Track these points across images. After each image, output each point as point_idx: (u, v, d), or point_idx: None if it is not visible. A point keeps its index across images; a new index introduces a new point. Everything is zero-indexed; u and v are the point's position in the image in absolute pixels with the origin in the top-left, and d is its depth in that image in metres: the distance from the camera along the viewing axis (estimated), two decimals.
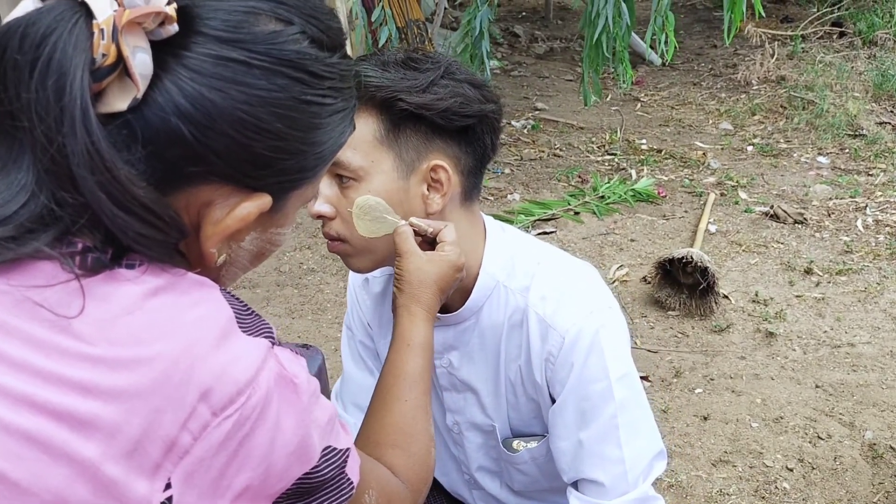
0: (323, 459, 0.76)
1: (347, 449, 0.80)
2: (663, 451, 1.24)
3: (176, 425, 0.65)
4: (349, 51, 4.01)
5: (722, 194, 4.70)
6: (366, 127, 1.11)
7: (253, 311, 0.74)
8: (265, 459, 0.70)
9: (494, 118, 1.18)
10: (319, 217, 1.15)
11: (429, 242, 1.16)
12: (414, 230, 1.13)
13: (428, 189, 1.15)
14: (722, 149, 5.50)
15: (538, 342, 1.22)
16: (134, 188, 0.65)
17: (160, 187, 0.68)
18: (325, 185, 1.13)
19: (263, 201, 0.73)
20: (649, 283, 3.58)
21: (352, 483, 0.80)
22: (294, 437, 0.72)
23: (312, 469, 0.75)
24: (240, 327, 0.71)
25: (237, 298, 0.74)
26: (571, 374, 1.19)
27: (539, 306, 1.22)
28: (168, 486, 0.66)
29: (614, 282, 3.71)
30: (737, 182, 4.86)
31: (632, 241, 4.14)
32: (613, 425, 1.19)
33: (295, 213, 0.81)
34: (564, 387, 1.20)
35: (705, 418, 2.74)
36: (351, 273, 1.41)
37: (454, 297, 1.25)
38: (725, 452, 2.58)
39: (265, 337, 0.72)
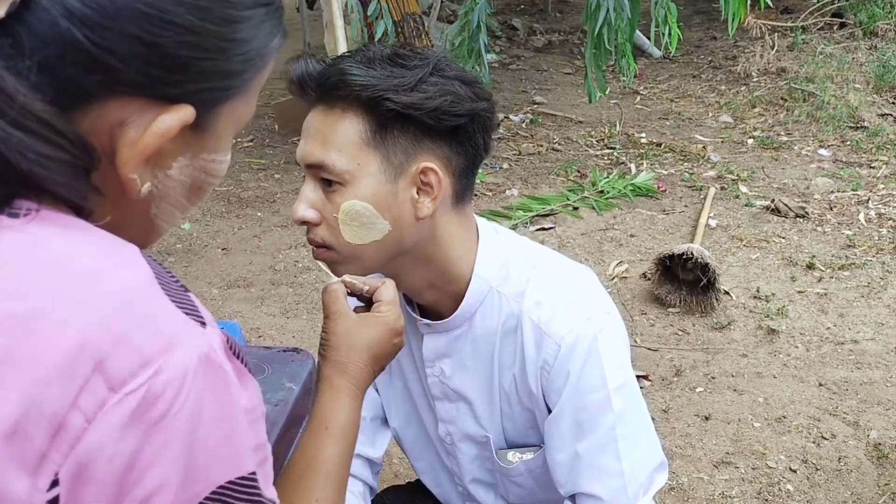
0: (243, 484, 0.61)
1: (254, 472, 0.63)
2: (664, 463, 1.19)
3: (64, 402, 0.52)
4: (344, 46, 3.93)
5: (722, 188, 4.66)
6: (351, 128, 1.06)
7: (187, 291, 0.62)
8: (185, 452, 0.56)
9: (487, 117, 1.13)
10: (303, 223, 1.09)
11: (365, 302, 1.08)
12: (347, 290, 1.05)
13: (418, 192, 1.10)
14: (722, 142, 5.46)
15: (533, 350, 1.17)
16: (26, 100, 0.55)
17: (60, 105, 0.58)
18: (310, 190, 1.08)
19: (184, 113, 0.62)
20: (649, 279, 3.53)
21: None
22: (217, 431, 0.58)
23: (238, 481, 0.60)
24: (165, 293, 0.59)
25: (171, 274, 0.63)
26: (568, 384, 1.14)
27: (534, 312, 1.17)
28: (55, 482, 0.53)
29: (613, 278, 3.67)
30: (737, 176, 4.81)
31: (631, 236, 4.09)
32: (612, 437, 1.14)
33: (229, 137, 0.69)
34: (560, 396, 1.15)
35: (706, 418, 2.69)
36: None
37: (446, 302, 1.20)
38: (727, 453, 2.54)
39: (194, 319, 0.60)
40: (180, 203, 0.70)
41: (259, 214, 4.60)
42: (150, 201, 0.67)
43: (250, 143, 5.87)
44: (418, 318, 1.23)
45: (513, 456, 1.27)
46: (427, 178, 1.09)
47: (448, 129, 1.09)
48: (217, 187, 5.05)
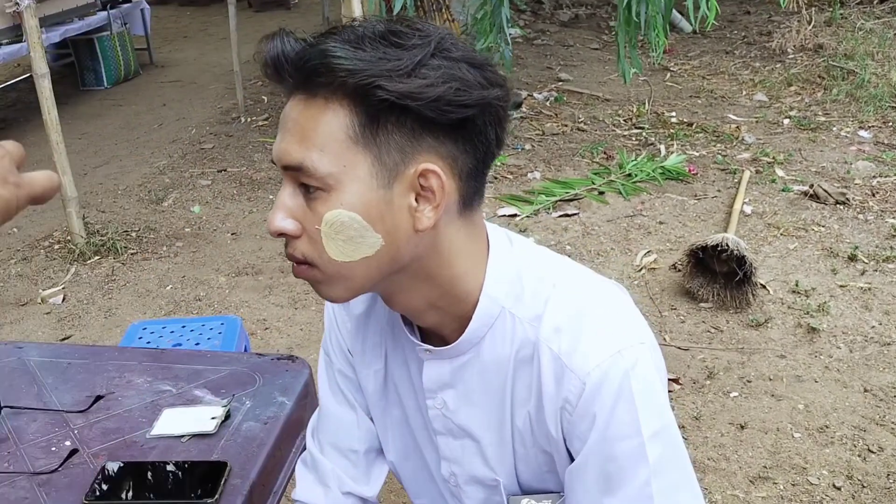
0: None
1: None
2: None
3: None
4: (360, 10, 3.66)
5: (757, 171, 4.42)
6: (335, 122, 0.88)
7: None
8: None
9: (500, 106, 0.93)
10: (280, 235, 0.92)
11: None
12: None
13: (416, 199, 0.92)
14: (756, 122, 5.22)
15: (552, 385, 0.99)
16: None
17: None
18: (288, 196, 0.91)
19: None
20: (679, 271, 3.32)
21: None
22: None
23: None
24: None
25: None
26: (594, 429, 0.96)
27: (553, 340, 0.98)
28: None
29: (641, 269, 3.46)
30: (773, 158, 4.58)
31: (660, 223, 3.87)
32: (646, 494, 0.95)
33: None
34: (585, 443, 0.97)
35: (742, 427, 2.49)
36: None
37: (450, 325, 1.02)
38: (765, 467, 2.34)
39: None
40: None
41: (271, 197, 4.44)
42: None
43: (265, 122, 5.70)
44: (417, 342, 1.05)
45: (527, 503, 1.08)
46: (427, 183, 0.91)
47: (453, 122, 0.90)
48: (229, 168, 4.91)
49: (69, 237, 3.93)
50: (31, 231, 4.23)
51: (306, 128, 0.88)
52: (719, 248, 3.08)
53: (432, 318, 1.02)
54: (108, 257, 3.83)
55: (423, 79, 0.86)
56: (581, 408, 0.96)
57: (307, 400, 1.64)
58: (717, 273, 3.17)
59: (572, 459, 1.01)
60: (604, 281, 1.06)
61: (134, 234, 4.05)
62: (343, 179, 0.88)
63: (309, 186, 0.89)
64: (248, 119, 5.76)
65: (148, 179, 4.83)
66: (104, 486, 1.34)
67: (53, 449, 1.46)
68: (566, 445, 1.00)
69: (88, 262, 3.80)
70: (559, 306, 1.00)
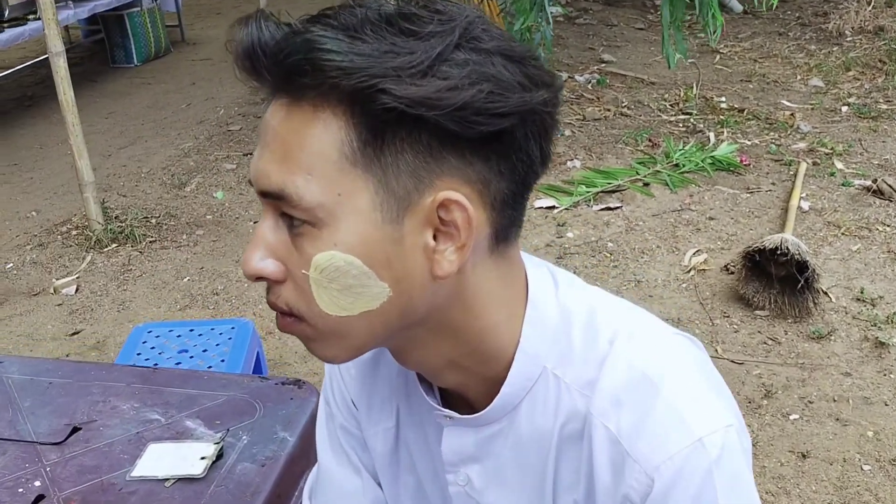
0: None
1: None
2: None
3: None
4: None
5: (814, 163, 4.13)
6: (326, 136, 0.66)
7: None
8: None
9: (547, 113, 0.70)
10: (258, 279, 0.71)
11: None
12: None
13: (435, 237, 0.69)
14: (812, 109, 4.91)
15: (607, 474, 0.76)
16: None
17: None
18: (268, 229, 0.70)
19: None
20: (732, 273, 3.06)
21: None
22: None
23: None
24: None
25: None
26: None
27: (610, 416, 0.76)
28: None
29: (689, 270, 3.20)
30: (831, 149, 4.28)
31: (710, 219, 3.61)
32: None
33: None
34: None
35: (804, 456, 2.24)
36: None
37: (477, 387, 0.80)
38: None
39: None
40: None
41: None
42: None
43: None
44: (436, 406, 0.83)
45: None
46: (449, 216, 0.68)
47: (484, 136, 0.67)
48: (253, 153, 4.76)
49: (86, 223, 3.77)
50: (49, 215, 4.09)
51: (289, 143, 0.68)
52: (778, 251, 2.81)
53: (454, 378, 0.81)
54: (126, 245, 3.67)
55: (444, 79, 0.64)
56: None
57: (313, 436, 1.44)
58: (774, 277, 2.91)
59: None
60: (675, 335, 0.82)
61: (154, 221, 3.89)
62: (337, 212, 0.67)
63: (293, 219, 0.68)
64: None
65: (172, 162, 4.66)
66: None
67: (21, 490, 1.28)
68: None
69: (105, 249, 3.65)
70: (619, 371, 0.76)
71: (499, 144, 0.68)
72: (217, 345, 2.20)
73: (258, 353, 2.28)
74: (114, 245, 3.68)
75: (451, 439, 0.84)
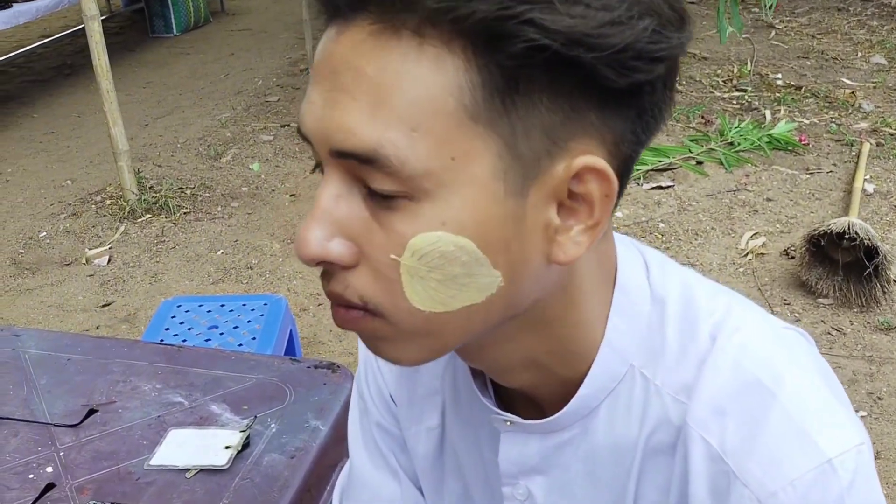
0: None
1: None
2: None
3: None
4: None
5: (878, 144, 3.91)
6: (439, 79, 0.49)
7: None
8: None
9: (678, 61, 0.55)
10: (321, 264, 0.55)
11: None
12: None
13: (558, 212, 0.55)
14: (874, 87, 4.68)
15: (705, 495, 0.62)
16: None
17: None
18: (335, 199, 0.53)
19: None
20: (793, 258, 2.87)
21: None
22: None
23: None
24: None
25: None
26: None
27: (711, 428, 0.61)
28: None
29: (747, 254, 3.02)
30: (895, 129, 4.04)
31: (768, 200, 3.42)
32: None
33: None
34: None
35: (874, 457, 2.08)
36: None
37: (549, 387, 0.66)
38: None
39: None
40: None
41: None
42: None
43: None
44: (494, 409, 0.69)
45: None
46: (583, 187, 0.54)
47: (634, 84, 0.52)
48: (293, 123, 4.63)
49: (121, 193, 3.70)
50: (84, 184, 4.03)
51: (383, 86, 0.50)
52: (846, 236, 2.63)
53: (527, 377, 0.66)
54: (160, 216, 3.59)
55: (606, 9, 0.48)
56: None
57: (347, 426, 1.32)
58: (839, 263, 2.72)
59: None
60: (786, 329, 0.67)
61: (188, 192, 3.80)
62: (448, 181, 0.51)
63: (382, 190, 0.52)
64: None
65: (209, 133, 4.57)
66: None
67: (31, 476, 1.18)
68: None
69: (139, 220, 3.57)
70: (723, 373, 0.62)
71: (641, 96, 0.53)
72: (248, 321, 2.09)
73: (291, 331, 2.17)
74: (147, 216, 3.60)
75: (511, 447, 0.70)
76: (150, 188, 3.79)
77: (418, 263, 0.53)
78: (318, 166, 0.55)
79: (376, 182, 0.51)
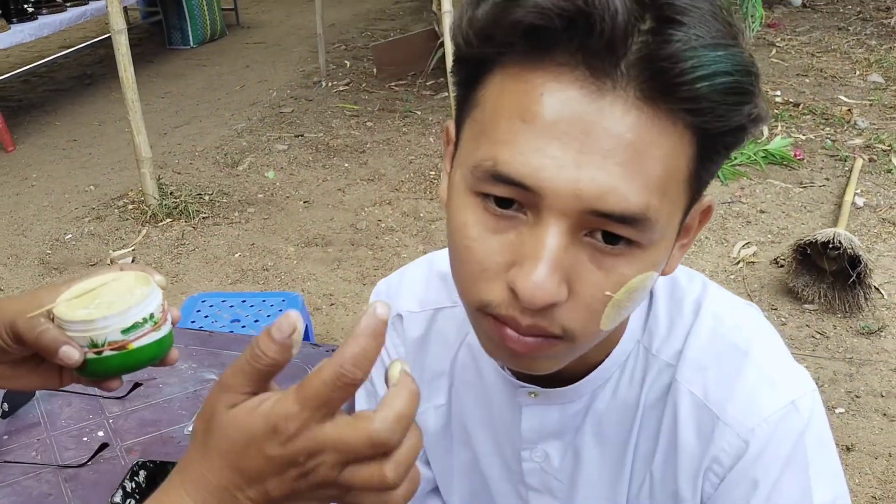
0: None
1: None
2: None
3: None
4: None
5: (871, 160, 4.05)
6: (681, 151, 0.58)
7: None
8: None
9: None
10: (543, 308, 0.60)
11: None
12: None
13: (678, 237, 0.67)
14: (871, 105, 4.81)
15: (693, 439, 0.77)
16: None
17: None
18: (562, 249, 0.59)
19: None
20: (782, 266, 3.02)
21: None
22: None
23: None
24: None
25: None
26: (754, 498, 0.74)
27: (696, 383, 0.76)
28: None
29: (738, 262, 3.17)
30: (889, 146, 4.19)
31: (761, 212, 3.57)
32: None
33: None
34: None
35: (849, 449, 2.22)
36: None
37: (571, 364, 0.73)
38: (874, 497, 2.07)
39: None
40: None
41: (346, 165, 4.29)
42: None
43: (346, 87, 5.56)
44: (519, 382, 0.82)
45: None
46: (695, 220, 0.68)
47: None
48: (307, 133, 4.80)
49: (143, 198, 3.87)
50: (107, 189, 4.20)
51: (646, 157, 0.57)
52: (830, 245, 2.78)
53: None
54: (180, 220, 3.76)
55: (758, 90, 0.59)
56: (739, 471, 0.75)
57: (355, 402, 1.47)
58: (825, 272, 2.87)
59: None
60: (748, 305, 0.83)
61: (207, 198, 3.97)
62: (668, 233, 0.61)
63: (618, 239, 0.59)
64: (329, 84, 5.63)
65: (225, 142, 4.75)
66: (133, 488, 1.21)
67: (85, 439, 1.34)
68: None
69: (160, 224, 3.74)
70: (703, 339, 0.78)
71: None
72: (268, 316, 2.25)
73: (307, 326, 2.32)
74: (168, 220, 3.77)
75: (534, 417, 0.83)
76: (170, 194, 3.96)
77: (627, 297, 0.61)
78: (511, 204, 0.60)
79: (626, 233, 0.58)
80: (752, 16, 4.09)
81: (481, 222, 0.61)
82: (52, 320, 0.71)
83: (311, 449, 0.50)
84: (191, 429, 1.33)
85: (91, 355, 0.70)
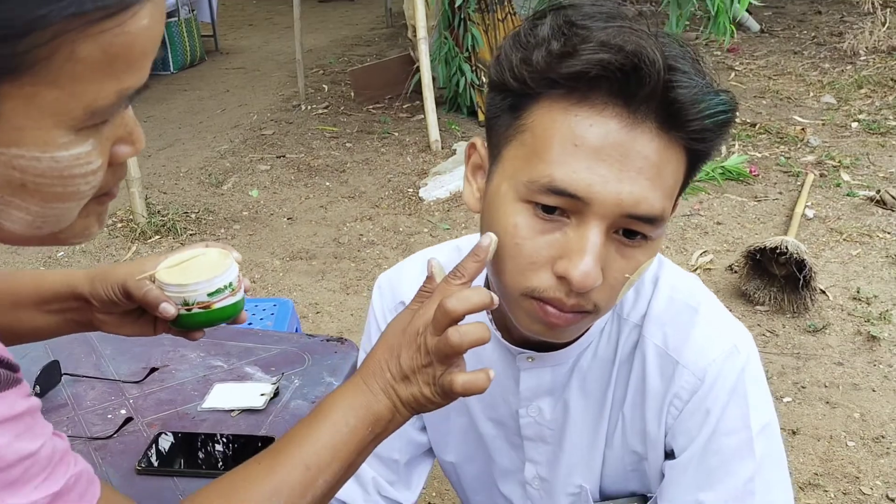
0: None
1: None
2: None
3: None
4: (423, 13, 3.77)
5: (822, 175, 4.30)
6: (680, 167, 0.80)
7: None
8: None
9: None
10: (587, 289, 0.79)
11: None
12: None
13: None
14: (823, 124, 5.07)
15: (657, 381, 0.96)
16: None
17: None
18: (602, 244, 0.78)
19: None
20: (736, 272, 3.25)
21: None
22: None
23: None
24: None
25: None
26: (705, 425, 0.93)
27: (657, 336, 0.96)
28: None
29: (696, 269, 3.40)
30: (839, 162, 4.44)
31: (718, 224, 3.80)
32: (748, 490, 0.92)
33: (45, 129, 0.57)
34: (693, 440, 0.94)
35: (794, 433, 2.44)
36: (378, 296, 1.14)
37: None
38: (815, 474, 2.28)
39: None
40: (3, 199, 0.59)
41: (327, 184, 4.48)
42: None
43: (325, 110, 5.76)
44: (518, 349, 0.99)
45: None
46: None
47: None
48: (288, 154, 4.99)
49: (131, 216, 4.03)
50: None
51: (662, 172, 0.77)
52: (778, 251, 3.01)
53: None
54: (168, 237, 3.92)
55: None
56: (693, 403, 0.93)
57: None
58: (775, 276, 3.11)
59: (666, 456, 0.98)
60: (694, 277, 1.03)
61: (193, 216, 4.14)
62: (665, 227, 0.83)
63: (636, 234, 0.79)
64: (309, 107, 5.83)
65: (209, 163, 4.92)
66: (156, 455, 1.38)
67: (109, 416, 1.51)
68: (665, 442, 0.98)
69: (149, 241, 3.90)
70: (662, 301, 0.97)
71: None
72: (261, 319, 2.43)
73: (296, 328, 2.50)
74: (157, 237, 3.93)
75: (529, 378, 1.00)
76: (157, 212, 4.12)
77: (637, 277, 0.82)
78: (554, 210, 0.78)
79: (645, 230, 0.78)
80: (722, 34, 4.32)
81: (530, 225, 0.79)
82: (154, 283, 0.93)
83: (422, 325, 0.77)
84: (205, 405, 1.50)
85: (183, 311, 0.93)
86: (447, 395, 0.79)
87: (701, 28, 4.36)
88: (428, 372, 0.78)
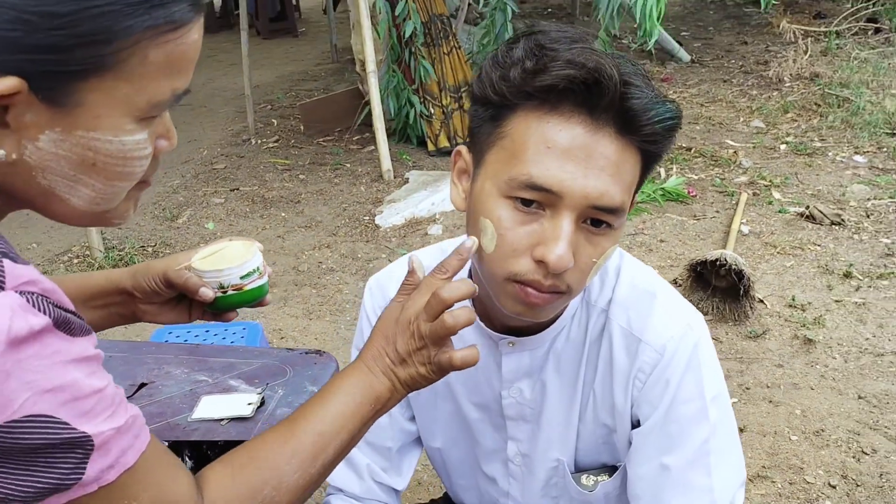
0: (28, 423, 0.66)
1: (88, 437, 0.69)
2: (745, 480, 1.10)
3: None
4: (371, 47, 3.92)
5: (755, 194, 4.54)
6: (636, 166, 0.94)
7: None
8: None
9: None
10: (561, 272, 0.93)
11: None
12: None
13: None
14: (754, 147, 5.33)
15: (623, 358, 1.08)
16: None
17: None
18: (573, 232, 0.92)
19: (7, 84, 0.64)
20: (680, 285, 3.43)
21: (79, 475, 0.70)
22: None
23: (7, 423, 0.65)
24: None
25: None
26: (666, 394, 1.05)
27: (621, 318, 1.08)
28: None
29: None
30: (770, 181, 4.69)
31: (661, 241, 4.00)
32: (704, 451, 1.04)
33: (117, 117, 0.71)
34: (656, 408, 1.06)
35: (741, 430, 2.60)
36: (369, 296, 1.25)
37: None
38: (763, 467, 2.44)
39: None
40: (75, 177, 0.72)
41: (283, 215, 4.56)
42: (31, 171, 0.70)
43: (275, 144, 5.84)
44: (501, 335, 1.11)
45: (587, 479, 1.16)
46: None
47: None
48: (242, 187, 5.04)
49: (88, 252, 4.05)
50: (49, 246, 4.35)
51: (621, 169, 0.91)
52: (718, 263, 3.20)
53: None
54: None
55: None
56: (655, 375, 1.05)
57: None
58: (716, 287, 3.29)
59: (632, 426, 1.10)
60: (650, 268, 1.16)
61: (150, 249, 4.17)
62: (625, 218, 0.97)
63: (601, 223, 0.93)
64: (259, 141, 5.90)
65: (162, 198, 4.95)
66: None
67: None
68: (632, 413, 1.09)
69: None
70: (625, 288, 1.10)
71: None
72: (231, 342, 2.50)
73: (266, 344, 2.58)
74: None
75: (510, 362, 1.12)
76: (114, 247, 4.14)
77: (602, 261, 0.95)
78: (531, 203, 0.91)
79: (606, 218, 0.91)
80: (649, 32, 4.55)
81: (512, 217, 0.93)
82: (190, 272, 1.06)
83: (413, 314, 0.89)
84: (194, 416, 1.58)
85: (219, 294, 1.05)
86: (442, 372, 0.91)
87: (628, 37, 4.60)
88: (423, 353, 0.90)
